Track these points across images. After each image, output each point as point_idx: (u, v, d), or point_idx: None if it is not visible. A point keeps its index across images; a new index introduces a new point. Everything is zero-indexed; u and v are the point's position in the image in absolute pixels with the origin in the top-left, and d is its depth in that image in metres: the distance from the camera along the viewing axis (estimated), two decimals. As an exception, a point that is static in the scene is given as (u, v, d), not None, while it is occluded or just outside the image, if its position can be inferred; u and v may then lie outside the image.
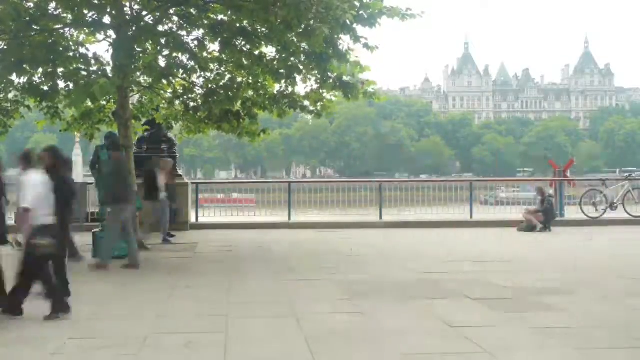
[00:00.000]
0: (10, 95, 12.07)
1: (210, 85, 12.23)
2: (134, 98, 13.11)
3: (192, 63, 11.23)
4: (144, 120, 13.86)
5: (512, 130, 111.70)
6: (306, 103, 12.57)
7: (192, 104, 12.50)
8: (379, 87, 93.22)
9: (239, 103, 12.45)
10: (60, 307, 6.27)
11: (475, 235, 14.75)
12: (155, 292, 7.79)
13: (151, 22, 10.84)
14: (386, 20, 10.48)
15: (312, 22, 9.55)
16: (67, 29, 11.05)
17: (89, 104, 11.94)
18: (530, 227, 14.96)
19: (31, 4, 10.41)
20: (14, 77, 10.93)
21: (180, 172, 17.77)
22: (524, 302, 7.08)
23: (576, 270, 9.52)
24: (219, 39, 10.91)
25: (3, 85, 11.31)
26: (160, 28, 11.02)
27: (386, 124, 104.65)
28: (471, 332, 5.63)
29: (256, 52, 11.29)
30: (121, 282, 8.48)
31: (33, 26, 10.27)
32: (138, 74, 11.30)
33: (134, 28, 10.41)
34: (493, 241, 13.58)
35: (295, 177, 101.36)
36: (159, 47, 10.88)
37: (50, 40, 10.29)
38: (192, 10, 10.69)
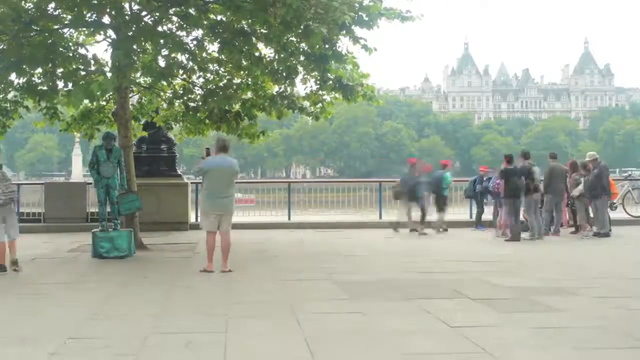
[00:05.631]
0: (10, 96, 12.04)
1: (209, 86, 12.23)
2: (134, 99, 13.11)
3: (191, 63, 11.23)
4: (143, 120, 13.88)
5: (512, 130, 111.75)
6: (305, 104, 12.59)
7: (191, 105, 12.52)
8: (379, 88, 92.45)
9: (238, 104, 12.45)
10: None
11: (475, 235, 14.77)
12: (155, 292, 7.80)
13: (150, 23, 10.83)
14: (385, 22, 10.49)
15: (310, 22, 9.55)
16: (66, 29, 11.04)
17: (88, 103, 11.94)
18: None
19: (30, 4, 10.40)
20: (13, 77, 10.92)
21: (180, 172, 17.78)
22: (524, 302, 7.07)
23: (576, 270, 9.52)
24: (218, 40, 10.91)
25: (2, 86, 11.27)
26: (160, 28, 11.02)
27: (386, 124, 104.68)
28: (471, 332, 5.62)
29: (256, 53, 11.29)
30: (122, 282, 8.49)
31: (32, 26, 10.25)
32: (138, 74, 11.29)
33: (133, 28, 10.40)
34: (493, 241, 13.57)
35: (295, 177, 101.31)
36: (158, 47, 10.87)
37: (50, 41, 10.27)
38: (191, 11, 10.69)
